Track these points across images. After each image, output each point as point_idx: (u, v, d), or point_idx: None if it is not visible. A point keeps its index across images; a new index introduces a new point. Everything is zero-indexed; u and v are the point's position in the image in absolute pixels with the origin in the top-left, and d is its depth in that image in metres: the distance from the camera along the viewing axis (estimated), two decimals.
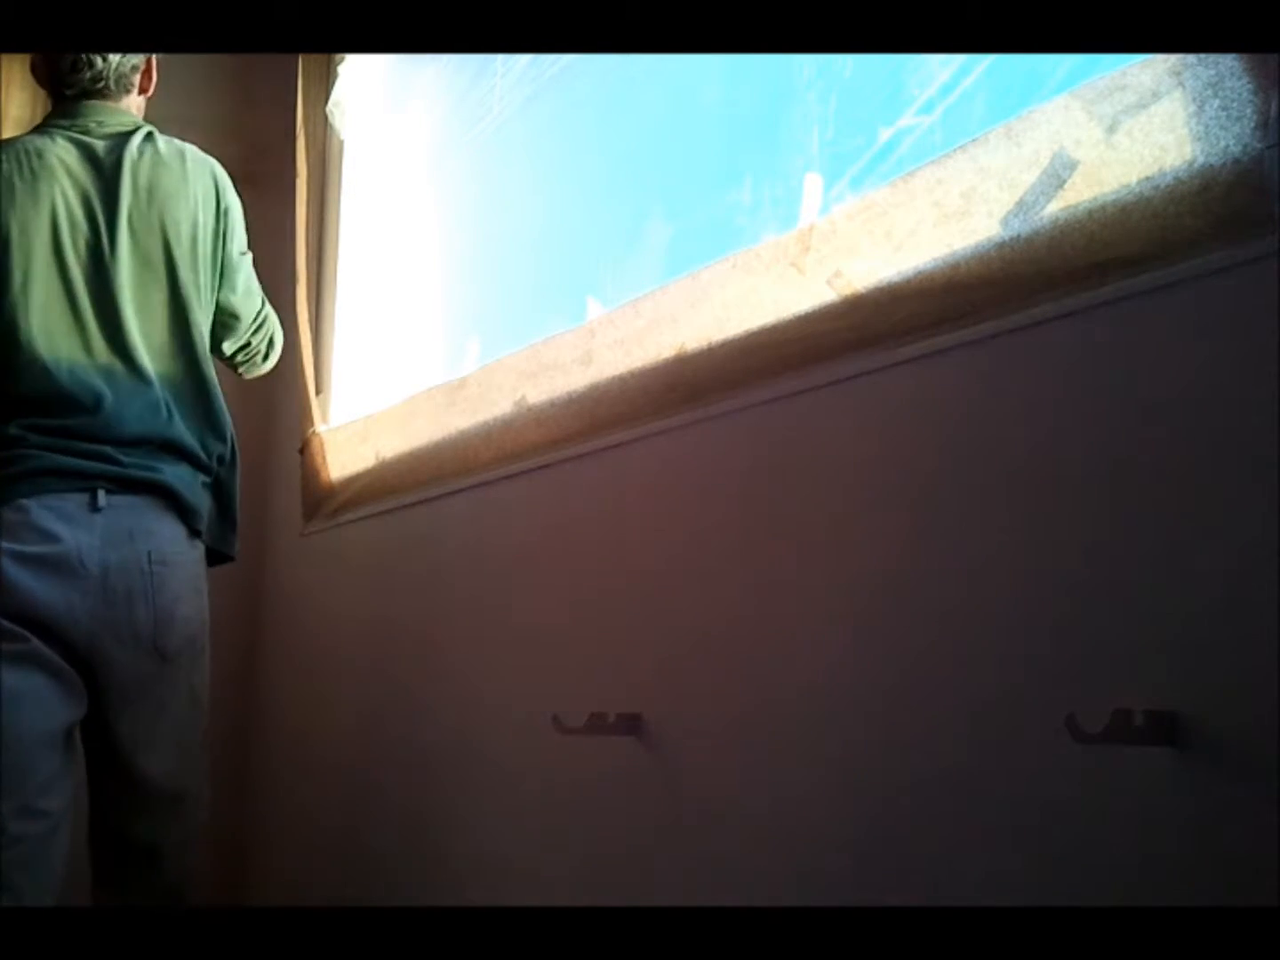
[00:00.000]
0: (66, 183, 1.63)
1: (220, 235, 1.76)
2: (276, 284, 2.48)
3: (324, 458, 2.20)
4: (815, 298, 1.27)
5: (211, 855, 2.21)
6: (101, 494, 1.53)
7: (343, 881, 1.96)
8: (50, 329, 1.58)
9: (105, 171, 1.66)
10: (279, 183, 2.45)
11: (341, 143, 2.43)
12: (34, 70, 1.77)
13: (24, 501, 1.50)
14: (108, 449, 1.56)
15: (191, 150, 1.75)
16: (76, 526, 1.51)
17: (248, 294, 1.82)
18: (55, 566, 1.49)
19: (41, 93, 2.31)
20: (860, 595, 1.17)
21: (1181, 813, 0.90)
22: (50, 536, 1.49)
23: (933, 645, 1.09)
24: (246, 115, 2.63)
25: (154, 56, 1.79)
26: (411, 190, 2.31)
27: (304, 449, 2.25)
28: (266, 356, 1.91)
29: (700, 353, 1.40)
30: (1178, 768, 0.90)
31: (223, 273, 1.76)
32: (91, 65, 1.68)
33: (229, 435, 1.72)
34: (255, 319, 1.84)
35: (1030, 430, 1.05)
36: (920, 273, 1.16)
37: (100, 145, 1.67)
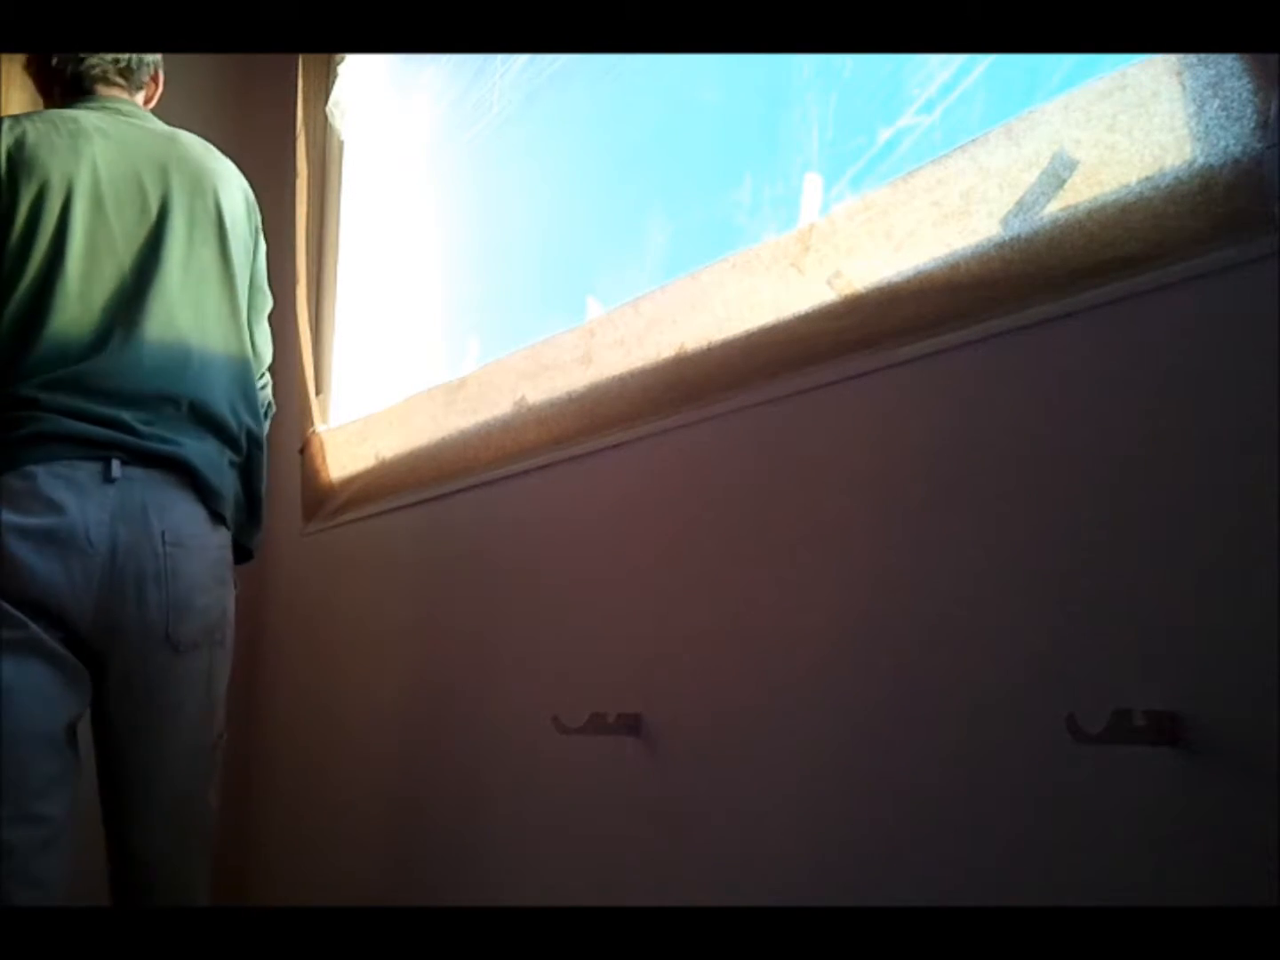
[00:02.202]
0: (105, 144, 1.57)
1: (255, 251, 1.72)
2: (277, 284, 2.48)
3: (324, 458, 2.20)
4: (815, 298, 1.27)
5: (212, 854, 2.21)
6: (116, 464, 1.42)
7: (343, 881, 1.95)
8: (86, 274, 1.49)
9: (150, 139, 1.62)
10: (279, 183, 2.45)
11: (341, 143, 2.43)
12: (29, 66, 1.70)
13: (32, 468, 1.38)
14: (125, 416, 1.45)
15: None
16: (86, 498, 1.40)
17: (267, 340, 1.76)
18: (60, 542, 1.37)
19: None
20: (860, 595, 1.17)
21: (1181, 813, 0.90)
22: (56, 507, 1.38)
23: (933, 645, 1.09)
24: (246, 115, 2.63)
25: (162, 70, 1.77)
26: (411, 190, 2.31)
27: (304, 449, 2.25)
28: (266, 414, 1.77)
29: (700, 353, 1.40)
30: (1178, 768, 0.90)
31: (252, 296, 1.70)
32: (75, 51, 1.63)
33: (261, 412, 1.63)
34: (267, 368, 1.77)
35: (1030, 430, 1.05)
36: (920, 273, 1.16)
37: (139, 123, 1.64)
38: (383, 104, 2.39)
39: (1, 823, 1.31)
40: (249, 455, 1.60)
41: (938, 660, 1.09)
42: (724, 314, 1.38)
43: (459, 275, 2.21)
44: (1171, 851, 0.90)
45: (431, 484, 1.86)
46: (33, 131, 1.54)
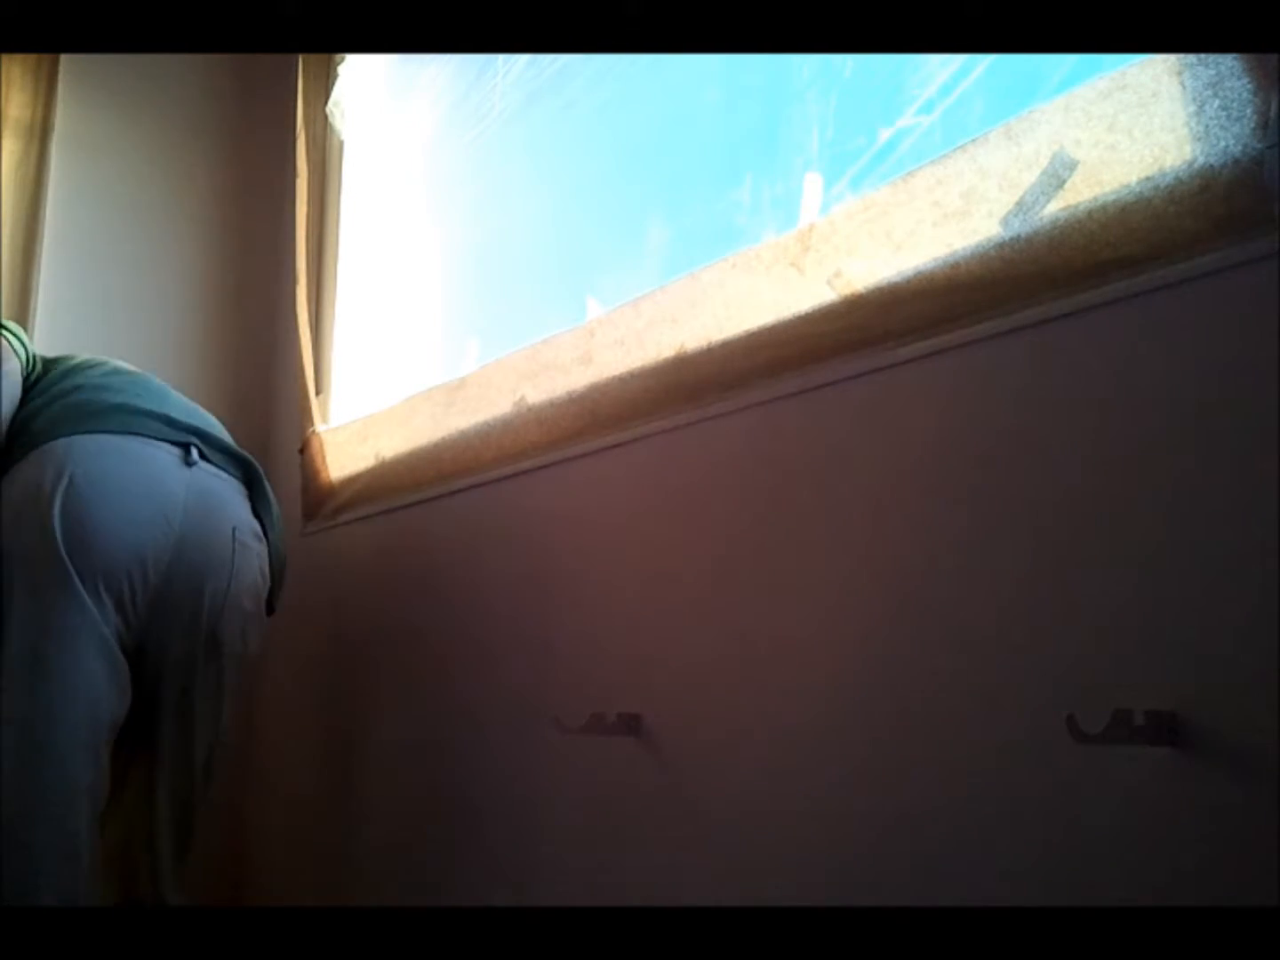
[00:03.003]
0: None
1: None
2: (277, 284, 2.49)
3: (324, 458, 2.20)
4: (815, 298, 1.27)
5: (212, 855, 2.21)
6: (194, 450, 1.45)
7: (343, 881, 1.95)
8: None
9: None
10: (279, 183, 2.45)
11: (341, 143, 2.43)
12: None
13: (112, 436, 1.39)
14: (199, 423, 1.51)
15: None
16: (166, 474, 1.42)
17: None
18: (139, 510, 1.38)
19: (42, 92, 2.32)
20: (860, 594, 1.17)
21: (1181, 813, 0.90)
22: (140, 477, 1.39)
23: (932, 645, 1.09)
24: (246, 115, 2.63)
25: None
26: (412, 190, 2.31)
27: (304, 449, 2.25)
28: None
29: (700, 353, 1.40)
30: (1178, 768, 0.90)
31: None
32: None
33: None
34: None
35: (1030, 430, 1.05)
36: (920, 273, 1.16)
37: None
38: (383, 104, 2.39)
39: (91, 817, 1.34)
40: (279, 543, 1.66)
41: (937, 660, 1.09)
42: (724, 314, 1.38)
43: (459, 275, 2.21)
44: (1171, 851, 0.90)
45: (431, 484, 1.86)
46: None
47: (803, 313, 1.28)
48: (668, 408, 1.43)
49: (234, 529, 1.48)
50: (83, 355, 1.62)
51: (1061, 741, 0.93)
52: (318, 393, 2.28)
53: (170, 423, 1.47)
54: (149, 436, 1.43)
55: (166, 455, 1.43)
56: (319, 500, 2.20)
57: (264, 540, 1.57)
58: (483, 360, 1.87)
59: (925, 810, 1.08)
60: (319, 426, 2.23)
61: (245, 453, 1.57)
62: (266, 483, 1.60)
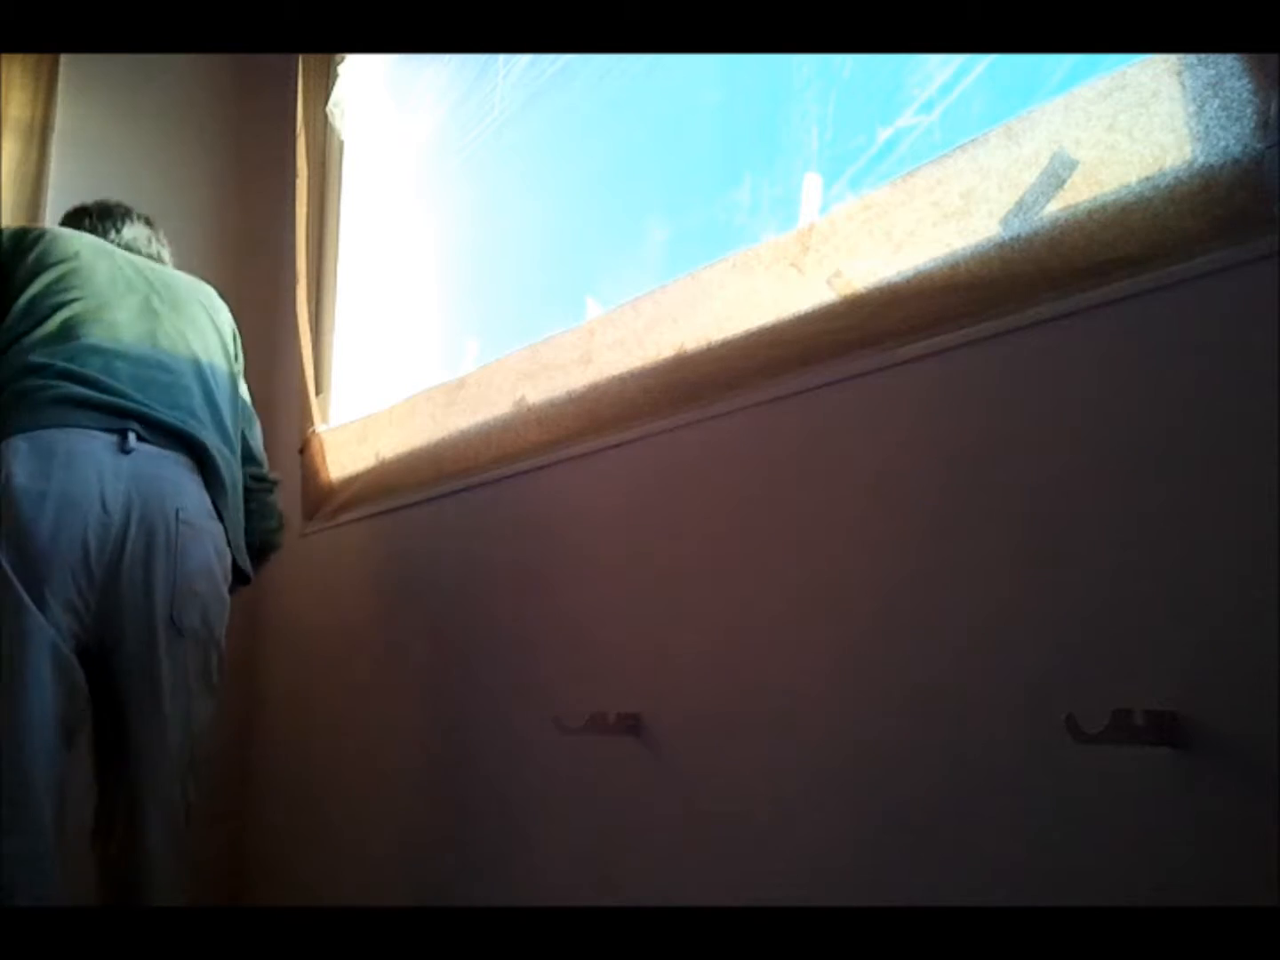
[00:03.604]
0: (115, 250, 1.71)
1: (236, 357, 1.82)
2: (277, 284, 2.48)
3: (324, 458, 2.20)
4: (815, 298, 1.26)
5: (212, 854, 2.21)
6: (132, 436, 1.45)
7: (343, 880, 1.95)
8: (122, 327, 1.59)
9: (152, 258, 1.79)
10: (279, 183, 2.45)
11: (341, 143, 2.43)
12: None
13: (46, 432, 1.40)
14: (143, 396, 1.50)
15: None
16: (103, 465, 1.41)
17: (261, 445, 1.84)
18: (75, 505, 1.38)
19: (42, 92, 2.32)
20: (860, 594, 1.17)
21: (1181, 813, 0.90)
22: (73, 472, 1.39)
23: (933, 645, 1.09)
24: (247, 115, 2.63)
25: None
26: (412, 190, 2.31)
27: (304, 449, 2.25)
28: (278, 525, 1.84)
29: (700, 353, 1.40)
30: (1178, 768, 0.90)
31: (240, 400, 1.78)
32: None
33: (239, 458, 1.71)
34: (266, 472, 1.83)
35: (1030, 430, 1.05)
36: (920, 273, 1.16)
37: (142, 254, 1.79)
38: (383, 104, 2.39)
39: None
40: (268, 485, 1.70)
41: (938, 660, 1.09)
42: (724, 314, 1.38)
43: (459, 276, 2.21)
44: (1171, 851, 0.90)
45: (431, 484, 1.86)
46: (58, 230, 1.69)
47: (802, 313, 1.28)
48: (668, 408, 1.43)
49: (177, 510, 1.46)
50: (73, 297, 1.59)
51: (1061, 741, 0.93)
52: (318, 393, 2.28)
53: (109, 408, 1.46)
54: (85, 427, 1.42)
55: (102, 445, 1.43)
56: (319, 500, 2.20)
57: (219, 519, 1.55)
58: (483, 360, 1.87)
59: (925, 810, 1.08)
60: (319, 426, 2.23)
61: (192, 432, 1.53)
62: (218, 461, 1.56)
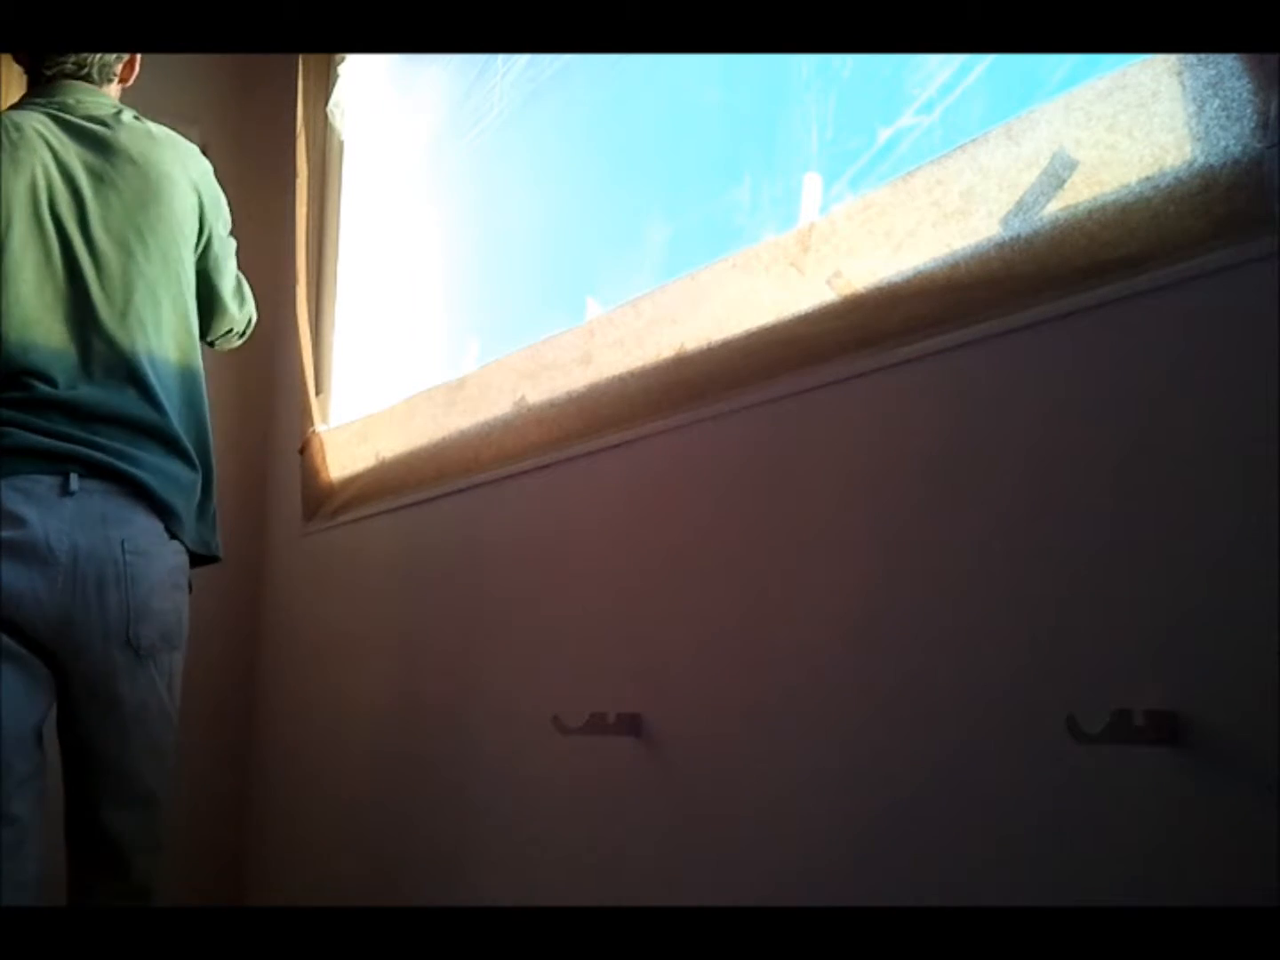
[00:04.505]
0: (46, 154, 1.56)
1: (207, 232, 1.71)
2: (277, 284, 2.48)
3: (324, 458, 2.20)
4: (815, 298, 1.26)
5: (212, 854, 2.21)
6: (74, 478, 1.47)
7: (343, 881, 1.96)
8: (28, 300, 1.51)
9: (93, 144, 1.59)
10: (279, 183, 2.45)
11: (341, 143, 2.43)
12: (15, 55, 1.72)
13: None
14: (83, 433, 1.49)
15: (177, 134, 1.70)
16: (46, 510, 1.44)
17: (238, 284, 1.79)
18: (22, 553, 1.42)
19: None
20: (860, 594, 1.17)
21: (1181, 813, 0.90)
22: (18, 520, 1.42)
23: (933, 645, 1.09)
24: (246, 115, 2.63)
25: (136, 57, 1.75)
26: (412, 190, 2.31)
27: (304, 449, 2.25)
28: (244, 334, 1.86)
29: (700, 353, 1.40)
30: (1178, 768, 0.90)
31: (213, 257, 1.72)
32: (76, 67, 1.63)
33: (210, 430, 1.65)
34: (242, 305, 1.80)
35: (1030, 430, 1.05)
36: (920, 273, 1.16)
37: (83, 121, 1.61)
38: (383, 105, 2.39)
39: None
40: (205, 470, 1.62)
41: (938, 660, 1.09)
42: (724, 314, 1.38)
43: (459, 275, 2.21)
44: (1171, 851, 0.90)
45: (432, 484, 1.86)
46: None
47: (802, 313, 1.28)
48: (668, 408, 1.43)
49: (122, 541, 1.48)
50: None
51: (1061, 741, 0.93)
52: (318, 393, 2.28)
53: (49, 454, 1.47)
54: (29, 473, 1.45)
55: (46, 489, 1.45)
56: (319, 500, 2.20)
57: (172, 537, 1.56)
58: (483, 360, 1.87)
59: (925, 810, 1.08)
60: (319, 426, 2.24)
61: (124, 468, 1.51)
62: (155, 491, 1.54)
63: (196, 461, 1.60)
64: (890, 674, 1.13)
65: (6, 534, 1.42)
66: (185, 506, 1.58)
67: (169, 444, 1.56)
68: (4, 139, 1.54)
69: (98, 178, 1.58)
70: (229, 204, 1.78)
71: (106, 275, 1.56)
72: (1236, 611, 0.89)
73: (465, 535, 1.78)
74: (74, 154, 1.58)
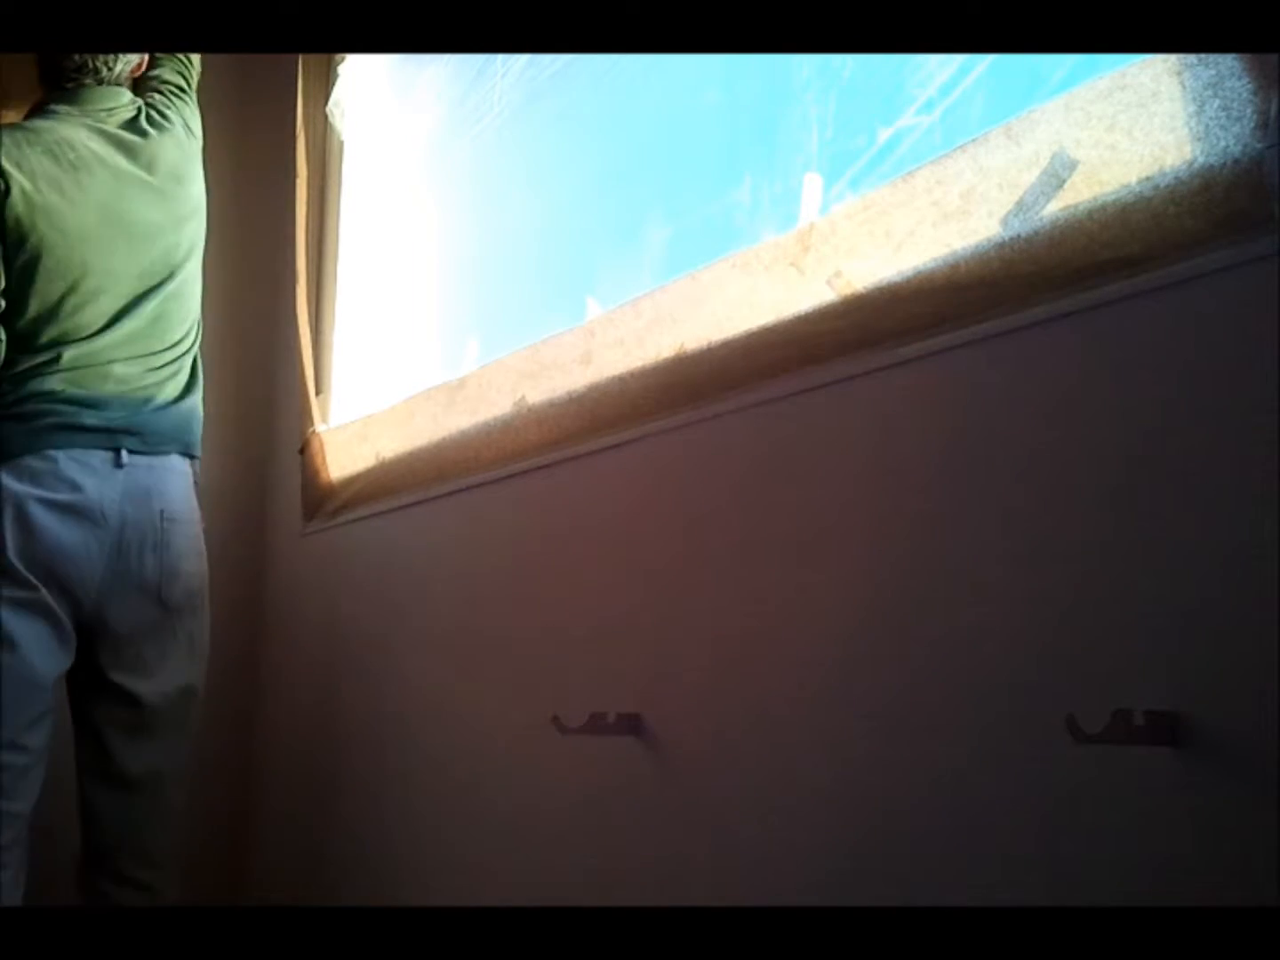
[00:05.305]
0: (105, 174, 1.75)
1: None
2: (277, 284, 2.48)
3: (324, 458, 2.20)
4: (815, 298, 1.26)
5: (212, 854, 2.21)
6: (125, 452, 1.70)
7: (343, 880, 1.96)
8: (97, 323, 1.73)
9: (129, 153, 1.79)
10: (279, 183, 2.45)
11: (341, 143, 2.43)
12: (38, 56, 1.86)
13: (53, 452, 1.65)
14: (134, 413, 1.73)
15: (166, 122, 1.86)
16: (101, 480, 1.67)
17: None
18: (79, 515, 1.65)
19: (40, 91, 2.32)
20: (860, 595, 1.17)
21: (1181, 813, 0.90)
22: (76, 487, 1.65)
23: (932, 645, 1.09)
24: (247, 114, 2.63)
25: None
26: (411, 190, 2.31)
27: (304, 449, 2.25)
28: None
29: (700, 353, 1.40)
30: (1178, 768, 0.90)
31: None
32: (96, 71, 1.78)
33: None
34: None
35: (1030, 430, 1.05)
36: (920, 273, 1.16)
37: (120, 132, 1.79)
38: (383, 104, 2.39)
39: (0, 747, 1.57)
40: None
41: (938, 660, 1.09)
42: (724, 314, 1.38)
43: (459, 275, 2.21)
44: (1171, 851, 0.90)
45: (431, 484, 1.86)
46: (36, 170, 1.69)
47: (802, 313, 1.28)
48: (668, 408, 1.43)
49: (161, 511, 1.73)
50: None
51: (1061, 741, 0.93)
52: (318, 393, 2.28)
53: (105, 430, 1.70)
54: (84, 447, 1.68)
55: (100, 461, 1.69)
56: (319, 500, 2.20)
57: (198, 509, 1.83)
58: (483, 360, 1.87)
59: (925, 810, 1.08)
60: (319, 426, 2.23)
61: (166, 449, 1.77)
62: (192, 449, 1.83)
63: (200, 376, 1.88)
64: (891, 674, 1.13)
65: (68, 497, 1.64)
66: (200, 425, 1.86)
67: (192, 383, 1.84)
68: (65, 159, 1.72)
69: (141, 184, 1.79)
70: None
71: (159, 270, 1.79)
72: (1237, 611, 0.89)
73: (465, 535, 1.78)
74: (123, 167, 1.78)
